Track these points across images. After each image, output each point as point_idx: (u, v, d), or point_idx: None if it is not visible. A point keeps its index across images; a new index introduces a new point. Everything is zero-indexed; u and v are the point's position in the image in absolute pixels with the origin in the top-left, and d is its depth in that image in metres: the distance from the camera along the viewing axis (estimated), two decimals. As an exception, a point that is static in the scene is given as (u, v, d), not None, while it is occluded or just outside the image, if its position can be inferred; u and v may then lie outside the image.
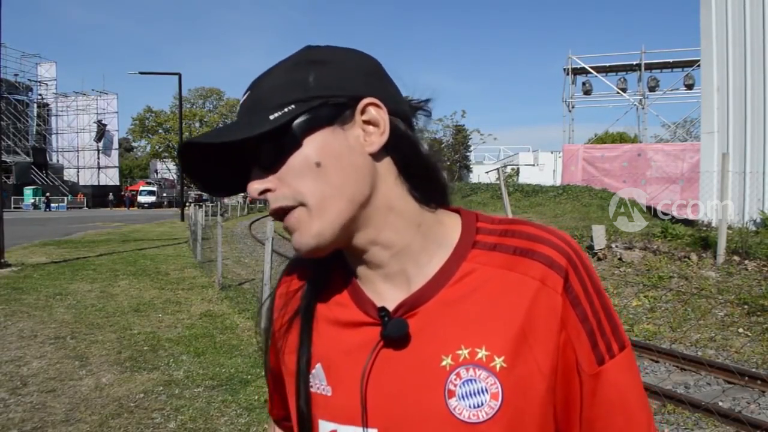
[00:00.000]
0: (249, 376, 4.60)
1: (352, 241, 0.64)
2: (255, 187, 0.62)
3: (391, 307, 0.63)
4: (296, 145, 0.59)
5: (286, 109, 0.59)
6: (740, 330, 5.64)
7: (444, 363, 0.60)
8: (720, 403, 4.03)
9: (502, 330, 0.60)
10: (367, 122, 0.61)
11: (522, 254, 0.62)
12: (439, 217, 0.66)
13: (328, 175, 0.59)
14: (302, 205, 0.60)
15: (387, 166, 0.63)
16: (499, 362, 0.59)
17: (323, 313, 0.68)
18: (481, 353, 0.59)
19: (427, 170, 0.65)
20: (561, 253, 0.62)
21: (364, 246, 0.64)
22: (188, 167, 0.64)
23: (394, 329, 0.62)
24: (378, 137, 0.61)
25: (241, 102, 0.64)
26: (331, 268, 0.70)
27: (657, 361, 5.00)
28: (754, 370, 4.70)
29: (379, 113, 0.61)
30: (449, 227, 0.66)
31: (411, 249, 0.64)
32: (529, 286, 0.61)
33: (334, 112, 0.60)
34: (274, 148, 0.60)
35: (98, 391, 4.25)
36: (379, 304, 0.64)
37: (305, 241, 0.61)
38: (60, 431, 3.58)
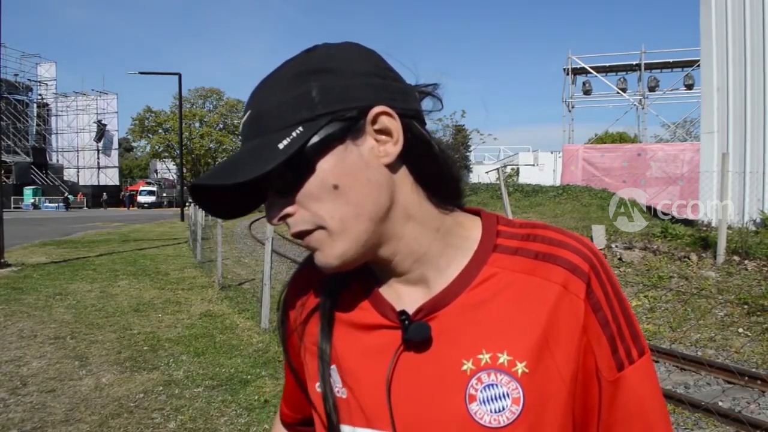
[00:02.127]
0: (249, 376, 4.60)
1: (374, 254, 0.63)
2: (274, 214, 0.61)
3: (410, 310, 0.63)
4: (310, 169, 0.58)
5: (293, 134, 0.56)
6: (740, 330, 5.64)
7: (465, 367, 0.60)
8: (720, 403, 4.03)
9: (524, 335, 0.59)
10: (379, 131, 0.59)
11: (544, 259, 0.62)
12: (458, 218, 0.65)
13: (346, 196, 0.58)
14: (322, 228, 0.59)
15: (403, 173, 0.61)
16: (521, 367, 0.58)
17: (338, 315, 0.68)
18: (503, 358, 0.59)
19: (442, 171, 0.63)
20: (583, 258, 0.61)
21: (385, 257, 0.63)
22: (199, 199, 0.62)
23: (415, 333, 0.61)
24: (392, 147, 0.59)
25: (243, 121, 0.62)
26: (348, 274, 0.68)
27: (657, 361, 4.99)
28: (754, 370, 4.70)
29: (390, 122, 0.58)
30: (469, 229, 0.65)
31: (431, 254, 0.63)
32: (551, 291, 0.60)
33: (345, 127, 0.58)
34: (287, 175, 0.58)
35: (98, 391, 4.25)
36: (397, 307, 0.63)
37: (328, 261, 0.60)
38: (60, 431, 3.58)
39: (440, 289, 0.62)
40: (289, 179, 0.58)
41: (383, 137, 0.59)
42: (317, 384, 0.68)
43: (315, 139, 0.57)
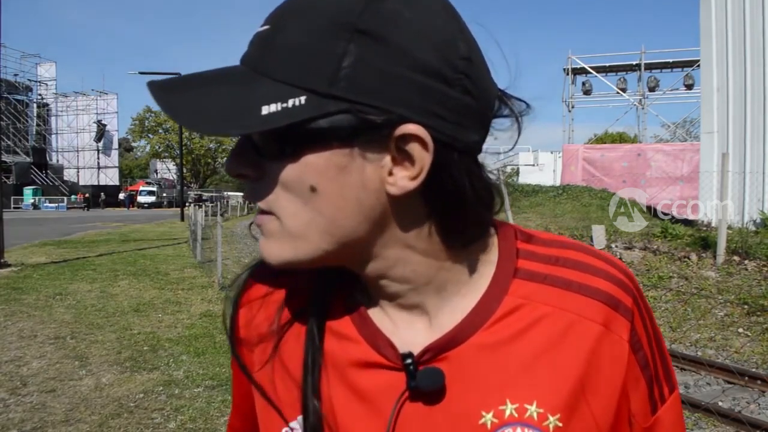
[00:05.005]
0: (249, 376, 4.60)
1: (353, 269, 0.51)
2: (232, 166, 0.48)
3: (413, 347, 0.51)
4: (293, 156, 0.45)
5: (290, 102, 0.42)
6: (740, 330, 5.64)
7: (484, 420, 0.49)
8: (720, 403, 4.02)
9: (557, 382, 0.49)
10: (401, 151, 0.44)
11: (578, 290, 0.51)
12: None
13: (320, 204, 0.45)
14: (277, 217, 0.47)
15: (413, 206, 0.47)
16: (553, 421, 0.49)
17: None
18: (532, 410, 0.49)
19: (467, 223, 0.49)
20: (625, 291, 0.52)
21: (370, 276, 0.51)
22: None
23: (426, 381, 0.49)
24: (406, 180, 0.45)
25: (257, 31, 0.47)
26: (332, 282, 0.55)
27: (657, 361, 4.99)
28: (754, 370, 4.70)
29: (419, 152, 0.44)
30: (482, 249, 0.53)
31: (434, 282, 0.51)
32: (589, 330, 0.50)
33: (358, 128, 0.43)
34: (266, 140, 0.46)
35: (98, 391, 4.25)
36: (394, 339, 0.51)
37: (267, 257, 0.49)
38: (60, 431, 3.58)
39: (451, 324, 0.51)
40: (266, 144, 0.46)
41: (404, 161, 0.45)
42: (285, 428, 0.54)
43: (312, 125, 0.43)
